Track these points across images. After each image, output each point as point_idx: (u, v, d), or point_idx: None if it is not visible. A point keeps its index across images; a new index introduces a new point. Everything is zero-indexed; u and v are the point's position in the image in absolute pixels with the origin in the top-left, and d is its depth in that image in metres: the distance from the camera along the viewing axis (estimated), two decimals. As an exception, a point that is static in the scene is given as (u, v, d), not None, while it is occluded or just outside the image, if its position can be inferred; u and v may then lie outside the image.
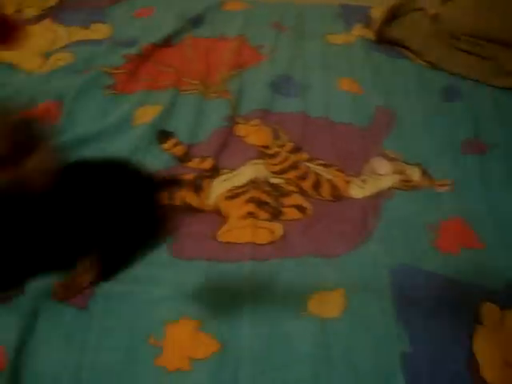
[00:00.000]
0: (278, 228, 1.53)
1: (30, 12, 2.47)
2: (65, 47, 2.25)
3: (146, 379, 1.21)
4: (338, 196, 1.64)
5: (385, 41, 2.32)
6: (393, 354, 1.25)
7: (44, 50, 2.22)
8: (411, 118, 1.94)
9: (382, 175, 1.71)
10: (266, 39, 2.31)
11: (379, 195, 1.65)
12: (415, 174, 1.71)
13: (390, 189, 1.67)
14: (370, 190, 1.66)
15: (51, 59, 2.17)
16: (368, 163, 1.74)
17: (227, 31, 2.35)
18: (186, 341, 1.27)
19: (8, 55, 2.19)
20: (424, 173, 1.72)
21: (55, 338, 1.28)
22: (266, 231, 1.51)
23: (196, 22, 2.40)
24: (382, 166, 1.73)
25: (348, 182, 1.68)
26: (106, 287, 1.36)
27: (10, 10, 2.47)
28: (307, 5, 2.59)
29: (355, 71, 2.16)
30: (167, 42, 2.26)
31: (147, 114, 1.77)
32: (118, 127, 1.79)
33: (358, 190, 1.66)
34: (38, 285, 1.36)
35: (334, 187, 1.66)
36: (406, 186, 1.68)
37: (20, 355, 1.23)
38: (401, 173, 1.71)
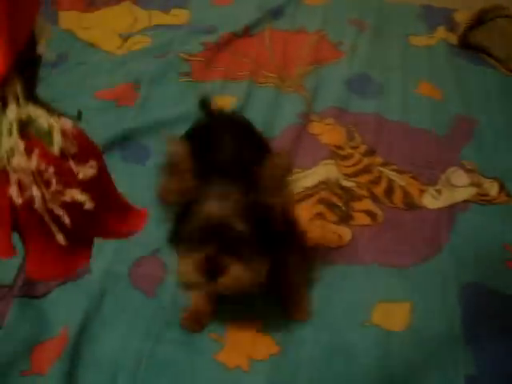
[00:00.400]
0: (346, 232, 1.49)
1: (110, -7, 2.49)
2: (143, 30, 2.27)
3: (205, 373, 1.21)
4: (410, 204, 1.59)
5: (468, 46, 2.23)
6: (457, 375, 1.21)
7: (123, 32, 2.24)
8: (492, 129, 1.86)
9: (457, 187, 1.64)
10: (346, 36, 2.27)
11: (453, 207, 1.59)
12: (493, 189, 1.64)
13: (464, 202, 1.61)
14: (444, 201, 1.60)
15: (129, 41, 2.19)
16: (444, 173, 1.68)
17: (307, 25, 2.31)
18: (246, 340, 1.26)
19: (88, 35, 2.21)
20: (502, 188, 1.65)
21: (118, 324, 1.29)
22: (335, 235, 1.48)
23: (276, 13, 2.37)
24: (459, 177, 1.67)
25: (422, 191, 1.63)
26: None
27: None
28: (388, 3, 2.52)
29: (436, 76, 2.09)
30: (246, 33, 2.24)
31: (223, 104, 1.75)
32: (193, 115, 1.77)
33: (431, 200, 1.60)
34: (105, 267, 1.39)
35: (406, 195, 1.61)
36: (482, 200, 1.61)
37: (82, 337, 1.25)
38: (478, 186, 1.65)
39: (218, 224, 1.08)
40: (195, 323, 1.28)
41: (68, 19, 2.31)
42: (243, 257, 1.08)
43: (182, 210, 1.13)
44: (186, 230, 1.11)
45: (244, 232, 1.07)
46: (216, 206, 1.08)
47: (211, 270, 1.07)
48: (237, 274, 1.08)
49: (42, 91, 1.78)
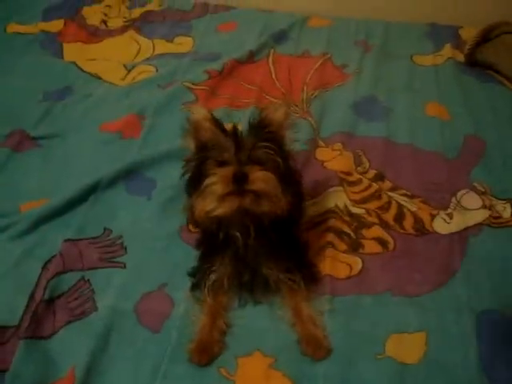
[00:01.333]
0: (356, 262, 1.46)
1: (114, 23, 2.50)
2: (147, 60, 2.27)
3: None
4: (421, 230, 1.56)
5: (475, 64, 2.21)
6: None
7: (127, 62, 2.24)
8: (502, 149, 1.83)
9: (469, 209, 1.61)
10: (351, 58, 2.25)
11: (465, 231, 1.55)
12: (506, 211, 1.61)
13: (477, 225, 1.57)
14: (456, 225, 1.56)
15: (134, 71, 2.19)
16: (455, 196, 1.65)
17: (311, 48, 2.30)
18: (258, 377, 1.23)
19: (92, 66, 2.22)
20: (515, 209, 1.61)
21: (125, 361, 1.26)
22: (345, 265, 1.45)
23: (280, 38, 2.36)
24: (470, 199, 1.64)
25: (433, 216, 1.59)
26: (182, 309, 1.35)
27: (95, 20, 2.50)
28: (394, 22, 2.50)
29: (443, 95, 2.06)
30: (250, 59, 2.23)
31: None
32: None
33: (443, 225, 1.57)
34: (111, 304, 1.36)
35: (417, 220, 1.58)
36: (495, 222, 1.58)
37: (89, 377, 1.23)
38: (490, 208, 1.61)
39: (241, 144, 1.22)
40: (203, 354, 1.25)
41: (72, 51, 2.31)
42: (267, 166, 1.23)
43: (201, 150, 1.28)
44: (210, 159, 1.24)
45: (267, 153, 1.23)
46: (238, 133, 1.26)
47: (238, 178, 1.18)
48: (263, 177, 1.20)
49: (47, 126, 1.80)
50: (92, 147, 1.83)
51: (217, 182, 1.20)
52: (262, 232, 1.28)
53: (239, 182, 1.19)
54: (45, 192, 1.66)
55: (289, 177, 1.29)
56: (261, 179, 1.20)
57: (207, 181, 1.21)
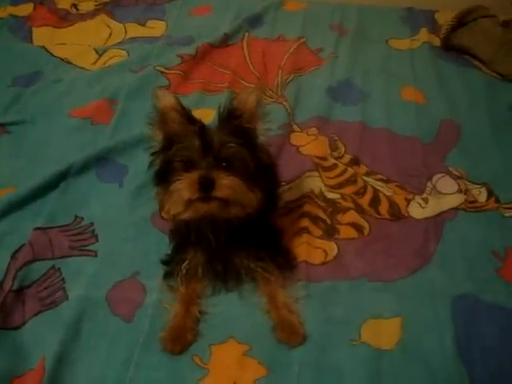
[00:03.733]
0: (332, 248, 1.45)
1: (85, 6, 2.45)
2: (119, 44, 2.23)
3: (189, 402, 1.15)
4: (396, 215, 1.55)
5: (452, 48, 2.20)
6: (451, 393, 1.16)
7: (98, 46, 2.20)
8: (478, 133, 1.82)
9: (445, 194, 1.60)
10: (326, 42, 2.23)
11: (441, 216, 1.54)
12: (481, 195, 1.60)
13: (452, 209, 1.56)
14: (431, 209, 1.56)
15: (105, 56, 2.15)
16: (430, 180, 1.64)
17: (286, 32, 2.28)
18: (233, 365, 1.21)
19: (62, 51, 2.17)
20: (490, 194, 1.61)
21: (97, 352, 1.24)
22: (320, 251, 1.44)
23: (254, 21, 2.33)
24: (446, 183, 1.63)
25: (408, 200, 1.58)
26: (155, 298, 1.32)
27: (65, 4, 2.44)
28: (369, 6, 2.48)
29: (419, 80, 2.05)
30: (223, 42, 2.20)
31: (203, 117, 1.71)
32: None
33: (418, 210, 1.56)
34: (82, 293, 1.34)
35: (393, 205, 1.57)
36: (471, 207, 1.57)
37: (59, 368, 1.20)
38: (465, 192, 1.60)
39: (209, 146, 1.18)
40: (176, 342, 1.23)
41: (42, 36, 2.26)
42: (235, 171, 1.19)
43: (168, 144, 1.23)
44: (176, 156, 1.20)
45: (235, 152, 1.20)
46: (205, 130, 1.21)
47: (205, 185, 1.15)
48: (230, 184, 1.17)
49: (16, 112, 1.75)
50: (62, 133, 1.79)
51: (183, 188, 1.17)
52: (233, 228, 1.26)
53: (205, 189, 1.16)
54: (14, 179, 1.63)
55: (260, 172, 1.25)
56: (227, 186, 1.17)
57: (173, 186, 1.18)
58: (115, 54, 2.15)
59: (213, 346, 1.24)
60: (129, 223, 1.51)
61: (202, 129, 1.22)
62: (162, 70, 2.03)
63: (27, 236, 1.46)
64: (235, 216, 1.22)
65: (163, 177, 1.23)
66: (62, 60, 2.13)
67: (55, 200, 1.57)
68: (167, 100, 1.25)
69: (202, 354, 1.22)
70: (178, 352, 1.22)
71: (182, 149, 1.20)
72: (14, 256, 1.41)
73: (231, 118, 1.25)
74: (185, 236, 1.31)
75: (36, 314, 1.30)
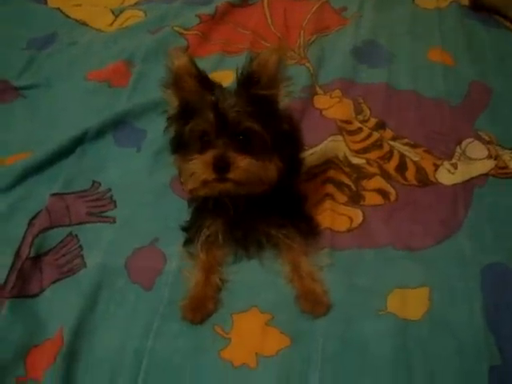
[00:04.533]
0: (357, 214, 1.40)
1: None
2: (136, 4, 2.18)
3: (209, 373, 1.12)
4: (424, 181, 1.49)
5: (481, 8, 2.11)
6: (479, 366, 1.11)
7: (114, 7, 2.15)
8: (509, 96, 1.75)
9: (474, 159, 1.54)
10: (350, 1, 2.16)
11: (470, 182, 1.48)
12: (512, 161, 1.54)
13: (482, 175, 1.50)
14: (460, 175, 1.50)
15: (122, 17, 2.10)
16: (459, 145, 1.58)
17: (308, -9, 2.20)
18: (255, 335, 1.17)
19: (78, 12, 2.12)
20: (523, 159, 1.54)
21: (116, 320, 1.21)
22: (345, 218, 1.39)
23: (275, -21, 2.25)
24: (476, 148, 1.57)
25: (436, 166, 1.52)
26: (175, 265, 1.29)
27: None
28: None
29: (447, 40, 1.98)
30: (244, 2, 2.14)
31: (222, 80, 1.66)
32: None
33: (447, 175, 1.50)
34: (101, 260, 1.31)
35: (420, 170, 1.51)
36: (501, 173, 1.51)
37: (78, 337, 1.17)
38: (496, 158, 1.54)
39: (225, 121, 1.13)
40: (196, 311, 1.19)
41: (57, -4, 2.20)
42: (252, 151, 1.15)
43: (183, 114, 1.19)
44: (191, 132, 1.16)
45: (251, 127, 1.14)
46: (221, 102, 1.14)
47: (220, 166, 1.12)
48: (245, 167, 1.13)
49: (31, 75, 1.72)
50: (79, 97, 1.76)
51: (197, 169, 1.14)
52: (253, 197, 1.22)
53: (220, 171, 1.13)
54: (31, 144, 1.60)
55: (280, 142, 1.20)
56: (243, 169, 1.14)
57: (188, 165, 1.16)
58: (132, 15, 2.11)
59: (234, 314, 1.20)
60: (147, 189, 1.48)
61: (217, 100, 1.15)
62: (181, 30, 1.98)
63: (44, 202, 1.43)
64: (253, 192, 1.19)
65: (179, 145, 1.20)
66: (78, 22, 2.08)
67: (72, 165, 1.54)
68: (181, 61, 1.18)
69: (224, 323, 1.19)
70: (199, 321, 1.19)
71: (196, 124, 1.15)
72: (30, 222, 1.39)
73: (250, 84, 1.18)
74: (203, 203, 1.28)
75: (54, 282, 1.27)
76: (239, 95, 1.17)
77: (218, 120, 1.13)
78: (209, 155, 1.13)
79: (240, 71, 1.20)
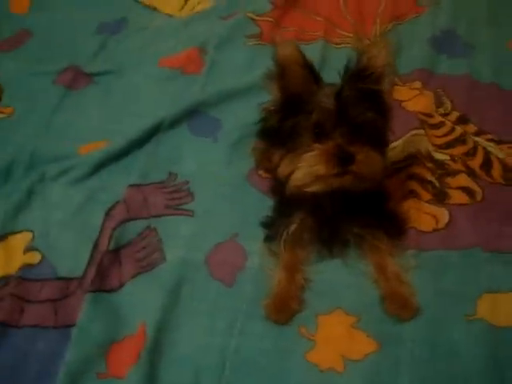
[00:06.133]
0: (443, 214, 1.35)
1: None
2: (207, -12, 2.12)
3: (296, 374, 1.09)
4: (510, 179, 1.42)
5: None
6: None
7: (184, -8, 2.10)
8: None
9: None
10: (427, -13, 2.06)
11: (561, 180, 1.41)
12: None
13: None
14: (550, 173, 1.43)
15: (192, 1, 2.06)
16: (548, 141, 1.50)
17: (382, -23, 2.12)
18: (341, 338, 1.14)
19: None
20: None
21: (198, 317, 1.19)
22: (430, 217, 1.34)
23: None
24: None
25: (523, 163, 1.46)
26: (256, 262, 1.26)
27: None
28: None
29: (531, 28, 1.88)
30: (317, -13, 2.06)
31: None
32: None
33: (535, 173, 1.43)
34: (181, 255, 1.29)
35: (506, 168, 1.45)
36: None
37: (161, 334, 1.15)
38: None
39: (344, 112, 1.09)
40: (281, 311, 1.17)
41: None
42: (369, 141, 1.11)
43: (286, 105, 1.14)
44: (301, 123, 1.11)
45: (371, 119, 1.11)
46: (339, 94, 1.10)
47: (343, 159, 1.07)
48: (368, 160, 1.10)
49: (102, 61, 1.69)
50: (151, 84, 1.74)
51: (317, 162, 1.08)
52: (352, 195, 1.17)
53: (343, 164, 1.08)
54: (104, 133, 1.59)
55: (385, 137, 1.17)
56: (366, 162, 1.09)
57: (304, 158, 1.10)
58: (201, 0, 2.05)
59: (319, 316, 1.17)
60: (225, 181, 1.44)
61: (337, 91, 1.11)
62: (253, 16, 1.93)
63: (120, 193, 1.42)
64: (366, 188, 1.14)
65: (280, 137, 1.15)
66: (147, 6, 2.05)
67: (147, 155, 1.52)
68: (288, 51, 1.12)
69: (308, 324, 1.16)
70: (283, 322, 1.16)
71: (312, 113, 1.10)
72: (108, 214, 1.37)
73: (358, 78, 1.13)
74: (294, 200, 1.22)
75: (134, 276, 1.26)
76: (351, 88, 1.12)
77: (339, 111, 1.09)
78: (329, 146, 1.09)
79: (349, 65, 1.15)
